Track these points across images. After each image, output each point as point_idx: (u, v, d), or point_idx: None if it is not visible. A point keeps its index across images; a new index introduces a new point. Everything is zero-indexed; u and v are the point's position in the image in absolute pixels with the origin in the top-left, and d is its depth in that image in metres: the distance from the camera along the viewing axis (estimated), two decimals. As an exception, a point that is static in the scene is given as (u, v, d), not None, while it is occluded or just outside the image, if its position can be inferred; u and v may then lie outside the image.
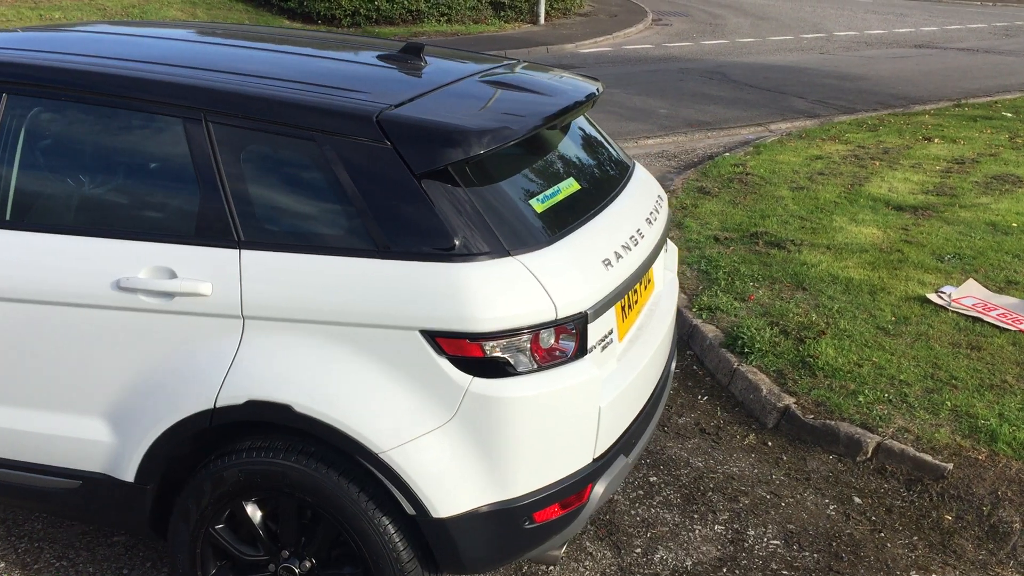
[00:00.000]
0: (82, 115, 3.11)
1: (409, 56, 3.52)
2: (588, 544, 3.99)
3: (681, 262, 6.68)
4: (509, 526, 2.93)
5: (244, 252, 2.90)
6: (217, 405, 2.89)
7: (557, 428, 2.93)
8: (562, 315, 2.87)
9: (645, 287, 3.64)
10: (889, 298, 6.00)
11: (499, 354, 2.81)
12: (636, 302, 3.51)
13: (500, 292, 2.79)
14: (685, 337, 5.85)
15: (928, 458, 4.41)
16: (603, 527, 4.09)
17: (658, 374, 3.64)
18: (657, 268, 3.83)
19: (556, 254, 2.95)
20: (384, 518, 2.90)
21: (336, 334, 2.83)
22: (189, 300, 2.90)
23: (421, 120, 2.90)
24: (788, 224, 7.39)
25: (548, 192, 3.16)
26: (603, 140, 3.90)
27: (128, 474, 3.06)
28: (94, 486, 3.14)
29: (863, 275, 6.36)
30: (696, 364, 5.59)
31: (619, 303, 3.27)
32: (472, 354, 2.78)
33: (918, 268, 6.51)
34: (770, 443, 4.78)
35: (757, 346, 5.35)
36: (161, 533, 3.19)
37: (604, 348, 3.12)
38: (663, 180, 9.29)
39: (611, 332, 3.16)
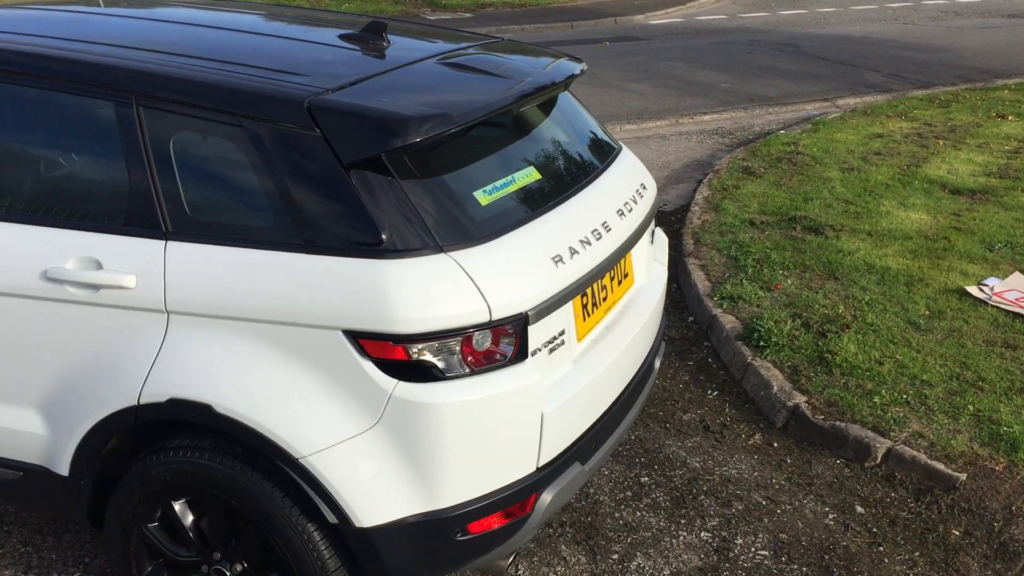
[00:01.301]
0: (13, 97, 3.03)
1: (370, 35, 3.36)
2: (563, 548, 3.82)
3: (711, 247, 6.41)
4: (439, 537, 2.79)
5: (170, 244, 2.80)
6: (141, 402, 2.80)
7: (492, 436, 2.77)
8: (497, 317, 2.70)
9: (619, 282, 3.44)
10: (926, 290, 5.65)
11: (426, 357, 2.65)
12: (604, 299, 3.31)
13: (427, 292, 2.63)
14: (704, 328, 5.60)
15: (940, 467, 4.11)
16: (582, 530, 3.92)
17: (630, 374, 3.44)
18: (637, 261, 3.61)
19: (497, 250, 2.78)
20: (309, 525, 2.79)
21: (260, 332, 2.71)
22: (113, 293, 2.82)
23: (353, 106, 2.74)
24: (831, 208, 7.04)
25: (499, 183, 2.98)
26: (585, 124, 3.69)
27: (63, 468, 3.01)
28: (34, 477, 3.10)
29: (902, 264, 6.00)
30: (712, 357, 5.34)
31: (578, 301, 3.08)
32: (396, 357, 2.63)
33: (963, 258, 6.12)
34: (776, 444, 4.54)
35: (774, 339, 5.08)
36: (101, 527, 3.14)
37: (553, 350, 2.93)
38: (710, 159, 8.97)
39: (563, 333, 2.98)
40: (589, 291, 3.18)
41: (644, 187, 3.63)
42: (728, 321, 5.40)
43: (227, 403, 2.71)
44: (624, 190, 3.46)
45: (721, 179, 7.88)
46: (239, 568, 2.96)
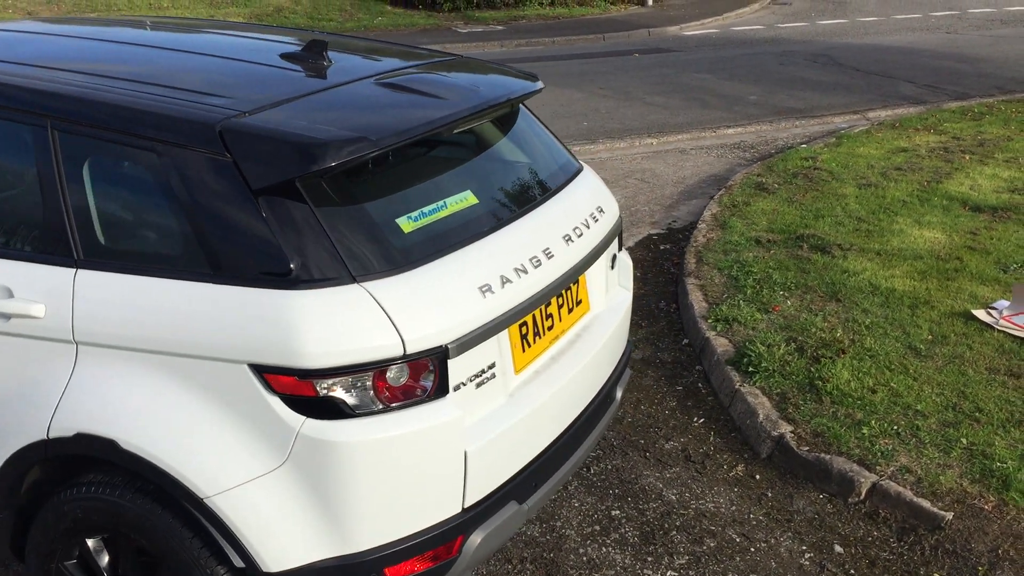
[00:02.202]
0: None
1: (310, 54, 3.25)
2: (521, 585, 3.67)
3: (712, 266, 6.22)
4: (353, 583, 2.65)
5: (80, 272, 2.71)
6: (49, 436, 2.72)
7: (409, 476, 2.64)
8: (412, 351, 2.57)
9: (570, 310, 3.29)
10: (931, 313, 5.40)
11: (335, 393, 2.53)
12: (550, 328, 3.16)
13: (336, 324, 2.50)
14: (697, 351, 5.41)
15: (926, 504, 3.89)
16: (542, 567, 3.76)
17: (579, 406, 3.28)
18: (593, 287, 3.46)
19: (416, 280, 2.65)
20: (219, 568, 2.67)
21: (168, 365, 2.61)
22: (23, 322, 2.74)
23: (265, 129, 2.63)
24: (842, 226, 6.80)
25: (428, 208, 2.85)
26: (542, 145, 3.55)
27: None
28: None
29: (908, 286, 5.75)
30: (703, 382, 5.15)
31: (515, 331, 2.94)
32: (303, 393, 2.51)
33: (974, 279, 5.85)
34: (758, 476, 4.34)
35: (764, 365, 4.88)
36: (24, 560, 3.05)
37: (481, 384, 2.79)
38: (728, 175, 8.76)
39: (492, 366, 2.84)
40: (529, 320, 3.03)
41: (601, 210, 3.47)
42: (720, 344, 5.21)
43: (132, 439, 2.61)
44: (575, 214, 3.31)
45: (732, 195, 7.67)
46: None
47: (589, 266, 3.34)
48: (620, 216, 3.72)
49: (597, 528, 4.00)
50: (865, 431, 4.34)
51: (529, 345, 3.05)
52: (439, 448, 2.67)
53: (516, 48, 16.01)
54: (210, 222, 2.62)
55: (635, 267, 6.65)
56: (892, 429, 4.35)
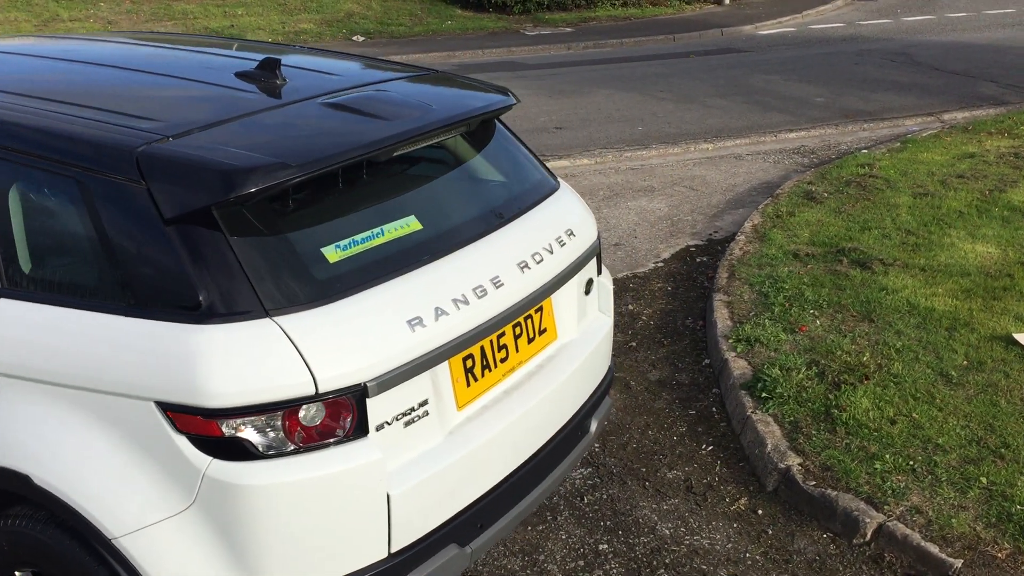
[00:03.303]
0: None
1: (263, 72, 3.15)
2: (491, 623, 3.51)
3: (743, 281, 5.95)
4: (267, 631, 2.53)
5: (1, 301, 2.66)
6: (-31, 470, 2.66)
7: (326, 520, 2.52)
8: (325, 389, 2.45)
9: (530, 340, 3.12)
10: (969, 336, 5.05)
11: (243, 434, 2.42)
12: (504, 359, 3.00)
13: (242, 362, 2.40)
14: (716, 373, 5.17)
15: (934, 550, 3.60)
16: (516, 603, 3.60)
17: (537, 442, 3.11)
18: (561, 314, 3.28)
19: (336, 314, 2.52)
20: (139, 605, 2.58)
21: (79, 400, 2.54)
22: (-54, 353, 2.69)
23: (180, 156, 2.54)
24: (888, 239, 6.44)
25: (361, 236, 2.72)
26: (512, 165, 3.39)
27: None
28: None
29: (949, 305, 5.40)
30: (717, 406, 4.91)
31: (457, 365, 2.79)
32: (209, 433, 2.41)
33: (1023, 299, 5.46)
34: (760, 511, 4.09)
35: (779, 390, 4.62)
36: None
37: (411, 423, 2.65)
38: (779, 182, 8.42)
39: (425, 403, 2.69)
40: (476, 353, 2.88)
41: (571, 233, 3.29)
42: (738, 367, 4.96)
43: (44, 475, 2.55)
44: (537, 238, 3.14)
45: (778, 205, 7.36)
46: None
47: (552, 293, 3.17)
48: (597, 238, 3.53)
49: (581, 563, 3.82)
50: (878, 466, 4.05)
51: (476, 379, 2.90)
52: (357, 492, 2.53)
53: (583, 51, 15.79)
54: (124, 252, 2.55)
55: (667, 280, 6.43)
56: (907, 464, 4.05)
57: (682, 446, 4.60)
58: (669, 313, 5.97)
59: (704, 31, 17.08)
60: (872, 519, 3.80)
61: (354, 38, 16.25)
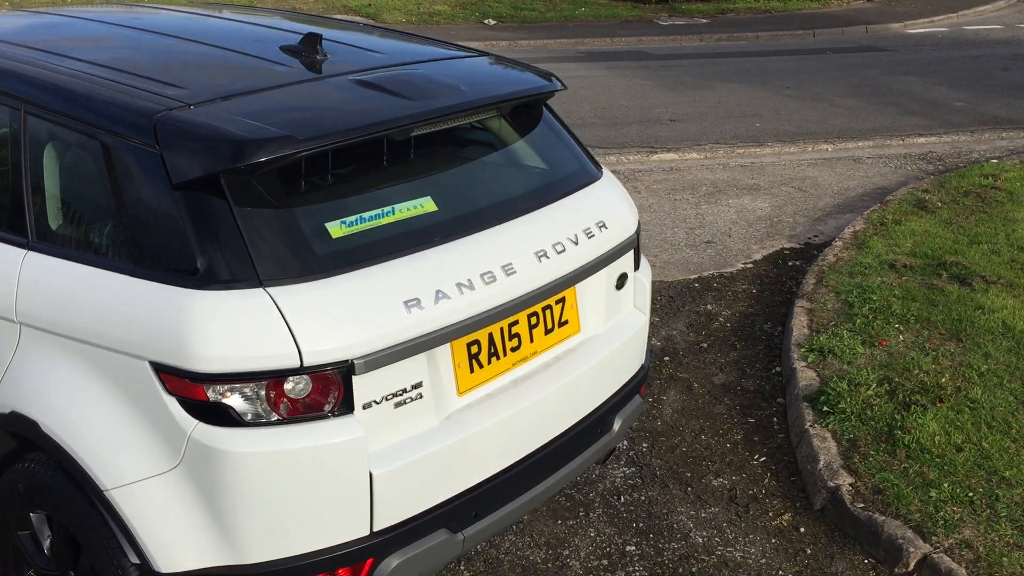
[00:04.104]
0: None
1: (304, 47, 3.18)
2: (501, 613, 3.48)
3: (830, 289, 5.70)
4: (245, 595, 2.58)
5: (29, 254, 2.79)
6: (-8, 411, 2.80)
7: (305, 493, 2.53)
8: (311, 363, 2.46)
9: (548, 331, 3.06)
10: (1064, 365, 4.69)
11: (228, 400, 2.46)
12: (515, 348, 2.96)
13: (231, 329, 2.43)
14: (784, 382, 4.97)
15: (978, 589, 3.37)
16: (530, 596, 3.56)
17: (548, 434, 3.05)
18: (586, 308, 3.21)
19: (331, 289, 2.53)
20: (125, 561, 2.66)
21: (87, 354, 2.63)
22: (-21, 299, 2.83)
23: (194, 124, 2.59)
24: (996, 255, 6.05)
25: (370, 214, 2.72)
26: (549, 151, 3.32)
27: None
28: None
29: (1048, 330, 5.03)
30: (779, 416, 4.72)
31: (461, 350, 2.77)
32: (196, 396, 2.46)
33: None
34: (803, 529, 3.91)
35: (842, 406, 4.40)
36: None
37: (401, 404, 2.64)
38: (896, 188, 8.01)
39: (419, 385, 2.67)
40: (483, 339, 2.84)
41: (603, 225, 3.20)
42: (806, 377, 4.76)
43: (51, 423, 2.66)
44: (563, 228, 3.07)
45: (885, 212, 7.01)
46: (96, 590, 2.88)
47: (576, 284, 3.10)
48: (635, 233, 3.42)
49: (605, 562, 3.74)
50: (933, 494, 3.82)
51: (481, 366, 2.86)
52: (338, 467, 2.54)
53: (716, 43, 15.43)
54: (135, 215, 2.62)
55: (753, 282, 6.22)
56: (966, 496, 3.80)
57: (734, 454, 4.44)
58: (748, 316, 5.77)
59: (847, 27, 16.44)
60: (917, 549, 3.58)
61: (485, 21, 16.34)
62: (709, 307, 5.89)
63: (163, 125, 2.59)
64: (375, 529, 2.65)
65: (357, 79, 2.99)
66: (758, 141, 9.63)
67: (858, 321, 5.23)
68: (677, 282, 6.25)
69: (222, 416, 2.47)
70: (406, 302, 2.61)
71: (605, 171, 3.51)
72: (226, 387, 2.45)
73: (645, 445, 4.49)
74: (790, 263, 6.57)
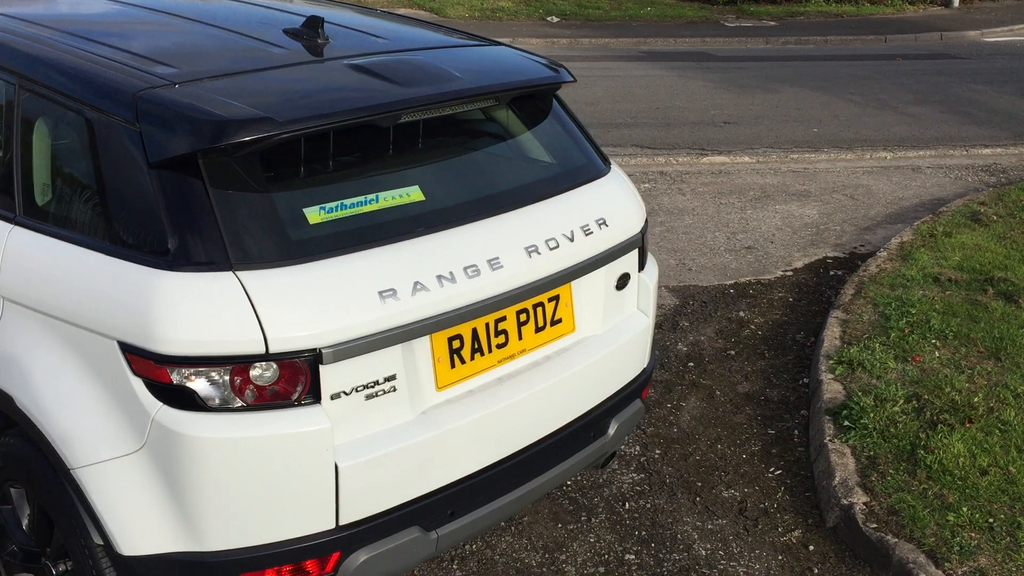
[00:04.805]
0: None
1: (305, 29, 3.14)
2: (488, 616, 3.40)
3: (868, 300, 5.50)
4: (205, 582, 2.54)
5: (15, 229, 2.79)
6: (-29, 383, 2.81)
7: (267, 482, 2.49)
8: (276, 350, 2.41)
9: (538, 329, 2.98)
10: (1108, 390, 4.45)
11: (191, 384, 2.42)
12: (503, 345, 2.88)
13: (196, 312, 2.40)
14: (810, 394, 4.80)
15: (988, 621, 3.19)
16: (520, 600, 3.47)
17: (535, 435, 2.97)
18: (583, 307, 3.11)
19: (303, 276, 2.48)
20: (91, 540, 2.65)
21: (63, 332, 2.62)
22: (-35, 273, 2.84)
23: (174, 102, 2.56)
24: (1048, 272, 5.78)
25: (351, 201, 2.66)
26: (554, 144, 3.23)
27: None
28: None
29: (1095, 353, 4.78)
30: (799, 429, 4.56)
31: (441, 344, 2.70)
32: (160, 379, 2.43)
33: None
34: (812, 547, 3.76)
35: (864, 421, 4.23)
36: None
37: (373, 397, 2.58)
38: (952, 199, 7.73)
39: (392, 378, 2.61)
40: (466, 334, 2.77)
41: (603, 223, 3.10)
42: (831, 390, 4.58)
43: (24, 399, 2.65)
44: (558, 224, 2.98)
45: (935, 224, 6.76)
46: (62, 568, 2.88)
47: (571, 282, 3.00)
48: (640, 232, 3.31)
49: (601, 570, 3.63)
50: (951, 518, 3.64)
51: (463, 361, 2.78)
52: (302, 458, 2.48)
53: (781, 46, 15.13)
54: (113, 193, 2.61)
55: (790, 290, 6.05)
56: (986, 521, 3.61)
57: (748, 466, 4.30)
58: (781, 325, 5.60)
59: (921, 34, 15.99)
60: (928, 575, 3.41)
61: (548, 18, 16.25)
62: (742, 314, 5.73)
63: (144, 102, 2.57)
64: (341, 523, 2.59)
65: (351, 63, 2.94)
66: (813, 147, 9.39)
67: (893, 335, 5.03)
68: (712, 287, 6.10)
69: (186, 400, 2.43)
70: (381, 292, 2.55)
71: (614, 167, 3.41)
72: (191, 370, 2.41)
73: (658, 452, 4.37)
74: (832, 272, 6.37)
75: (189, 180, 2.49)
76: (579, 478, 4.13)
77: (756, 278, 6.26)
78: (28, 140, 2.83)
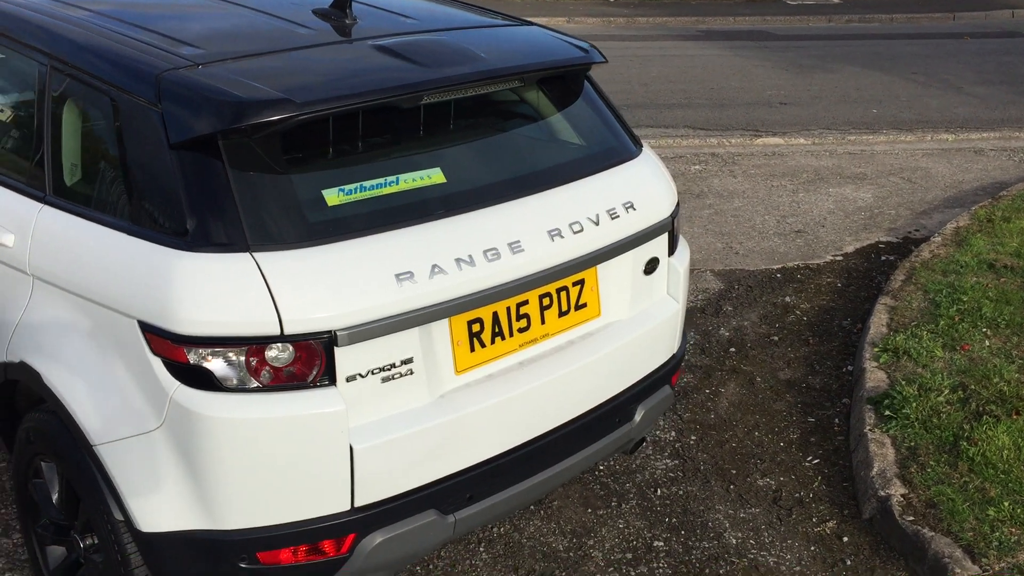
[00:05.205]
0: None
1: (334, 10, 3.13)
2: (513, 599, 3.40)
3: (919, 287, 5.36)
4: (221, 561, 2.58)
5: (44, 208, 2.84)
6: (7, 359, 2.87)
7: (282, 463, 2.51)
8: (290, 332, 2.42)
9: (562, 313, 2.95)
10: None
11: (207, 364, 2.44)
12: (524, 329, 2.86)
13: (211, 292, 2.42)
14: (853, 382, 4.70)
15: (1024, 620, 3.10)
16: (546, 585, 3.46)
17: (554, 421, 2.94)
18: (609, 291, 3.07)
19: (320, 258, 2.48)
20: (112, 516, 2.69)
21: (88, 311, 2.67)
22: (1, 249, 2.91)
23: (196, 83, 2.58)
24: (1111, 259, 5.57)
25: (372, 183, 2.65)
26: (582, 125, 3.19)
27: None
28: None
29: None
30: (840, 418, 4.47)
31: (460, 327, 2.69)
32: (177, 358, 2.46)
33: None
34: (846, 538, 3.69)
35: (906, 411, 4.12)
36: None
37: (389, 380, 2.58)
38: (1012, 182, 7.48)
39: (410, 361, 2.60)
40: (486, 318, 2.75)
41: (630, 207, 3.05)
42: (875, 379, 4.48)
43: (51, 375, 2.70)
44: (584, 207, 2.94)
45: (994, 208, 6.56)
46: (88, 542, 2.93)
47: (595, 266, 2.96)
48: (671, 217, 3.25)
49: (628, 556, 3.60)
50: (991, 512, 3.53)
51: (483, 345, 2.77)
52: (317, 440, 2.49)
53: (845, 24, 14.78)
54: (136, 173, 2.64)
55: (839, 276, 5.92)
56: (1028, 517, 3.50)
57: (786, 454, 4.22)
58: (828, 311, 5.49)
59: (992, 11, 15.50)
60: (964, 570, 3.32)
61: (607, -4, 16.08)
62: (788, 299, 5.62)
63: (166, 83, 2.59)
64: (357, 504, 2.60)
65: (377, 44, 2.93)
66: (872, 128, 9.17)
67: (942, 323, 4.89)
68: (758, 271, 5.99)
69: (203, 380, 2.45)
70: (398, 275, 2.54)
71: (646, 150, 3.35)
72: (207, 351, 2.43)
73: (693, 438, 4.31)
74: (883, 258, 6.21)
75: (208, 161, 2.51)
76: (611, 463, 4.10)
77: (804, 263, 6.14)
78: (58, 120, 2.87)
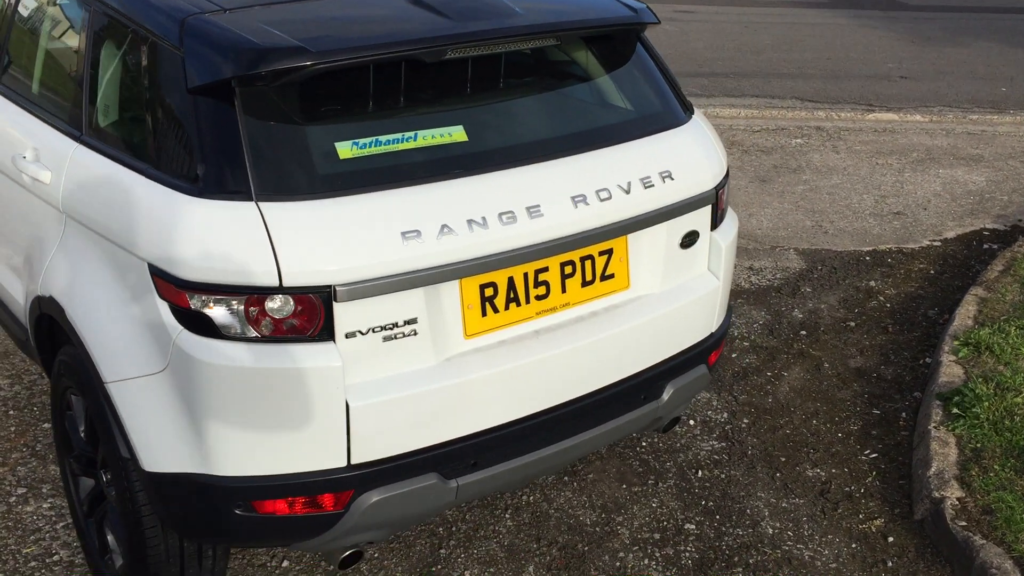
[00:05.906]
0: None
1: None
2: (534, 569, 3.34)
3: (1017, 279, 5.03)
4: (217, 505, 2.59)
5: (79, 147, 2.89)
6: (40, 292, 2.95)
7: (278, 414, 2.50)
8: (289, 284, 2.40)
9: (586, 283, 2.85)
10: None
11: (208, 311, 2.45)
12: (543, 296, 2.78)
13: (216, 240, 2.41)
14: (928, 375, 4.44)
15: (1069, 644, 2.87)
16: (570, 557, 3.39)
17: (570, 393, 2.85)
18: (641, 263, 2.95)
19: (325, 211, 2.45)
20: (121, 452, 2.74)
21: (109, 251, 2.71)
22: (39, 185, 2.98)
23: (216, 28, 2.56)
24: None
25: (387, 137, 2.60)
26: (627, 89, 3.06)
27: (27, 325, 3.23)
28: (16, 325, 3.43)
29: None
30: (908, 412, 4.23)
31: (472, 290, 2.63)
32: (180, 303, 2.47)
33: None
34: (891, 539, 3.49)
35: (975, 410, 3.87)
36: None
37: (391, 339, 2.54)
38: None
39: (414, 321, 2.55)
40: (500, 282, 2.67)
41: (667, 176, 2.91)
42: (950, 373, 4.22)
43: (73, 312, 2.76)
44: (615, 174, 2.81)
45: (1116, 199, 6.08)
46: (107, 477, 3.00)
47: (624, 236, 2.84)
48: (715, 189, 3.08)
49: (656, 536, 3.50)
50: (1052, 526, 3.29)
51: (497, 311, 2.69)
52: (312, 394, 2.47)
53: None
54: (159, 117, 2.65)
55: (933, 262, 5.61)
56: (1092, 534, 3.24)
57: (842, 445, 4.02)
58: (914, 299, 5.19)
59: None
60: (1011, 584, 3.10)
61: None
62: (872, 284, 5.35)
63: (189, 27, 2.58)
64: (354, 462, 2.57)
65: (422, -2, 2.85)
66: (997, 107, 8.62)
67: (1034, 318, 4.57)
68: (846, 252, 5.72)
69: (205, 326, 2.45)
70: (404, 233, 2.48)
71: (696, 118, 3.19)
72: (209, 297, 2.43)
73: (745, 421, 4.15)
74: (985, 246, 5.85)
75: (222, 108, 2.49)
76: (655, 440, 3.99)
77: (898, 246, 5.83)
78: (97, 61, 2.91)
